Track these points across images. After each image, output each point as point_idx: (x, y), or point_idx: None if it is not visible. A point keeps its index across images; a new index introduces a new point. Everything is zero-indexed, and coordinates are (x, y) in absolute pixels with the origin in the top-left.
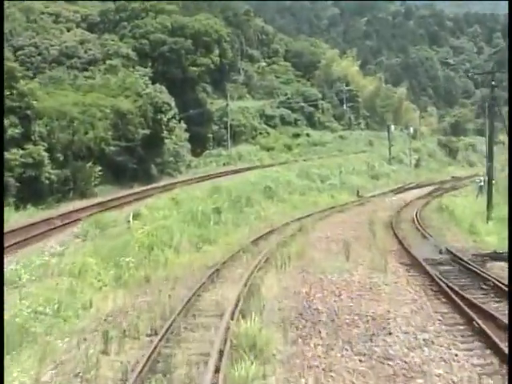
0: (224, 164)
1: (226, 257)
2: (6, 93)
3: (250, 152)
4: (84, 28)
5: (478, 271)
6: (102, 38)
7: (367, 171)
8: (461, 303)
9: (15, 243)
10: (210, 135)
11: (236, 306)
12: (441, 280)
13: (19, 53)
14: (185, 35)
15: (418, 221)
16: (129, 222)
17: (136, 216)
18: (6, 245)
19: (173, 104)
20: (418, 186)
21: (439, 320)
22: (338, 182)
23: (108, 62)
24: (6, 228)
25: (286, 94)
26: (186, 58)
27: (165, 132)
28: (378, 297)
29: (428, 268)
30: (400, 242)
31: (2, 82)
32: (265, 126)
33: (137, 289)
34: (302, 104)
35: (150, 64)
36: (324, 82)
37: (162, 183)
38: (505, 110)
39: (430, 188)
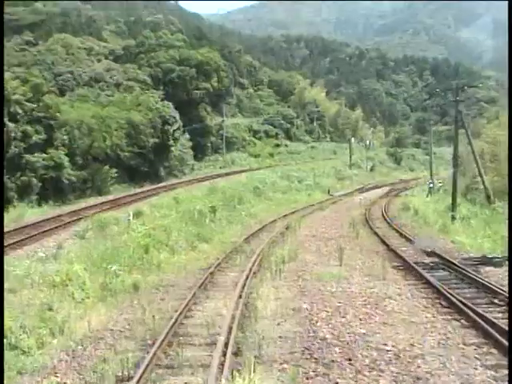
0: (220, 167)
1: (220, 257)
2: (33, 105)
3: (240, 158)
4: (110, 59)
5: (479, 279)
6: (124, 66)
7: (335, 174)
8: (489, 328)
9: (12, 243)
10: (209, 144)
11: (229, 331)
12: (446, 291)
13: (58, 78)
14: (189, 65)
15: (390, 219)
16: (129, 220)
17: (137, 215)
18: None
19: (177, 117)
20: (375, 187)
21: (477, 359)
22: (312, 183)
23: (125, 83)
24: (15, 226)
25: (268, 114)
26: (191, 83)
27: (171, 141)
28: (389, 317)
29: (426, 275)
30: (383, 242)
31: (3, 82)
32: (252, 138)
33: (122, 300)
34: (281, 121)
35: (161, 87)
36: (298, 104)
37: (168, 183)
38: (435, 128)
39: (386, 188)
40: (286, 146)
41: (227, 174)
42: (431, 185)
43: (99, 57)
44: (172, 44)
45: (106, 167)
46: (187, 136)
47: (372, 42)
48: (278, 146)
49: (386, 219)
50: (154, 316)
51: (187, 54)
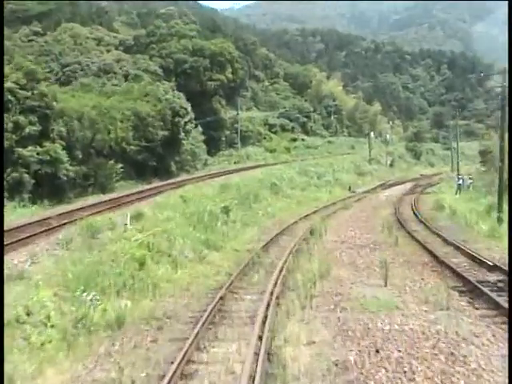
0: (235, 162)
1: (233, 272)
2: (27, 93)
3: (256, 153)
4: (121, 50)
5: None
6: (134, 57)
7: (354, 169)
8: None
9: None
10: (223, 138)
11: None
12: None
13: (65, 69)
14: (203, 55)
15: (425, 220)
16: (126, 225)
17: (137, 217)
18: None
19: (189, 109)
20: (397, 183)
21: None
22: (331, 179)
23: (133, 71)
24: None
25: (284, 107)
26: (204, 74)
27: (182, 134)
28: (478, 382)
29: (504, 304)
30: (428, 251)
31: (2, 82)
32: (268, 132)
33: (98, 344)
34: (298, 115)
35: (173, 79)
36: (315, 98)
37: (179, 179)
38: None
39: (409, 184)
40: (303, 140)
41: (242, 170)
42: (460, 181)
43: (109, 47)
44: (184, 34)
45: (111, 162)
46: (200, 129)
47: (387, 36)
48: (294, 140)
49: (420, 220)
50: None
51: (200, 45)
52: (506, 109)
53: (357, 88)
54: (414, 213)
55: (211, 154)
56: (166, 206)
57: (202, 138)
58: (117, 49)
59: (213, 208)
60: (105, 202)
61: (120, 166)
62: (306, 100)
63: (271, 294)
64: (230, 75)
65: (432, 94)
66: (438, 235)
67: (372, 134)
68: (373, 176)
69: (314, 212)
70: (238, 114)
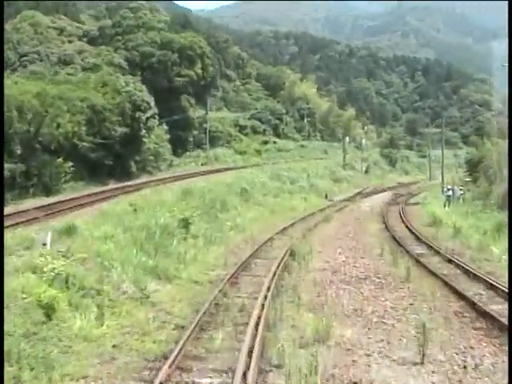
0: (202, 164)
1: (186, 323)
2: None
3: (225, 154)
4: (85, 41)
5: None
6: (98, 48)
7: (329, 175)
8: None
9: None
10: (191, 139)
11: None
12: None
13: (23, 59)
14: (171, 49)
15: (426, 240)
16: (44, 245)
17: (67, 232)
18: None
19: (152, 103)
20: (376, 191)
21: None
22: (306, 185)
23: (92, 60)
24: None
25: (256, 109)
26: (172, 69)
27: (143, 131)
28: None
29: None
30: (455, 291)
31: (2, 81)
32: (238, 134)
33: None
34: (270, 117)
35: (139, 73)
36: (287, 100)
37: (138, 181)
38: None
39: (389, 193)
40: (275, 143)
41: (209, 172)
42: (450, 192)
43: (72, 38)
44: (153, 26)
45: (59, 160)
46: (165, 127)
47: (361, 42)
48: (265, 142)
49: (420, 239)
50: None
51: (169, 38)
52: None
53: (330, 92)
54: (409, 229)
55: (177, 154)
56: (109, 217)
57: (167, 136)
58: (80, 40)
59: (169, 221)
60: (37, 208)
61: (70, 164)
62: (278, 102)
63: (243, 376)
64: (200, 71)
65: (405, 100)
66: (456, 264)
67: (347, 138)
68: (349, 183)
69: (292, 225)
70: (207, 113)
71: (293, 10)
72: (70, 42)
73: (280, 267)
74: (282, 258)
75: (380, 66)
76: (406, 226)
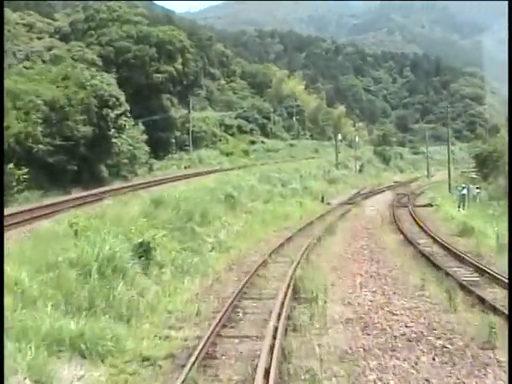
0: (185, 167)
1: None
2: None
3: (210, 156)
4: (57, 38)
5: None
6: (69, 44)
7: (323, 176)
8: None
9: None
10: (173, 140)
11: None
12: None
13: None
14: (149, 43)
15: (476, 261)
16: None
17: None
18: None
19: (122, 99)
20: (374, 192)
21: None
22: (299, 187)
23: (54, 51)
24: None
25: (242, 108)
26: (150, 65)
27: (112, 130)
28: None
29: None
30: None
31: (2, 81)
32: (224, 134)
33: None
34: (257, 116)
35: (114, 70)
36: (275, 98)
37: (106, 188)
38: (418, 126)
39: (390, 194)
40: (263, 142)
41: (191, 176)
42: (464, 191)
43: (42, 35)
44: (128, 19)
45: (10, 166)
46: (142, 127)
47: (346, 40)
48: (253, 142)
49: (463, 258)
50: None
51: (146, 31)
52: None
53: (317, 90)
54: (439, 242)
55: (159, 157)
56: (38, 245)
57: (145, 137)
58: (52, 37)
59: (120, 247)
60: None
61: (24, 171)
62: (265, 100)
63: None
64: (180, 67)
65: (394, 96)
66: None
67: (340, 136)
68: (345, 183)
69: (288, 239)
70: (189, 112)
71: (277, 11)
72: (39, 38)
73: (282, 319)
74: (283, 300)
75: (367, 62)
76: (432, 237)
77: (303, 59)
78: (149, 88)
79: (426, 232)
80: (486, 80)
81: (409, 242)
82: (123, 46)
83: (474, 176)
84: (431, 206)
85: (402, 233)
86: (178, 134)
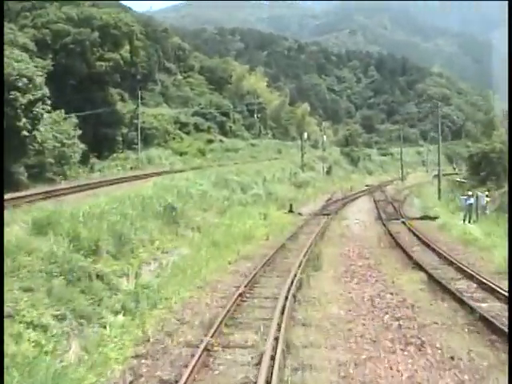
0: (131, 168)
1: None
2: None
3: (160, 156)
4: None
5: None
6: None
7: (289, 179)
8: None
9: None
10: (120, 138)
11: None
12: None
13: None
14: (91, 26)
15: None
16: None
17: None
18: None
19: (39, 80)
20: (350, 198)
21: None
22: (262, 192)
23: None
24: None
25: (200, 104)
26: (92, 51)
27: (23, 120)
28: None
29: None
30: None
31: (2, 81)
32: (179, 132)
33: None
34: (215, 113)
35: (50, 56)
36: (235, 94)
37: None
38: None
39: (368, 200)
40: (221, 141)
41: (128, 180)
42: (471, 201)
43: None
44: None
45: None
46: (74, 120)
47: (308, 40)
48: (210, 141)
49: None
50: None
51: (88, 13)
52: None
53: (280, 89)
54: (494, 290)
55: (103, 156)
56: None
57: (78, 132)
58: None
59: None
60: None
61: None
62: (224, 97)
63: None
64: (127, 55)
65: (359, 96)
66: None
67: (306, 134)
68: (314, 187)
69: (251, 284)
70: (137, 106)
71: (238, 11)
72: None
73: None
74: None
75: (331, 61)
76: (476, 279)
77: (265, 57)
78: (91, 78)
79: (455, 265)
80: (452, 81)
81: (443, 288)
82: (61, 29)
83: (463, 180)
84: (430, 218)
85: (419, 267)
86: (125, 131)
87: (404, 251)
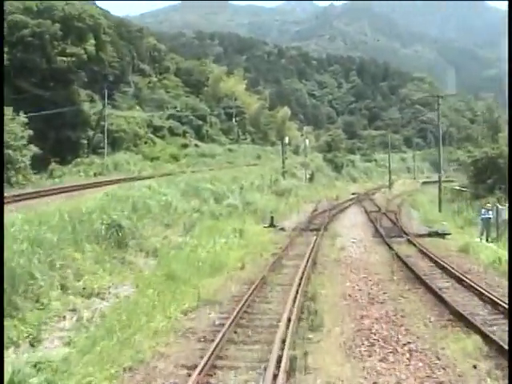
0: (95, 174)
1: None
2: None
3: (129, 161)
4: None
5: None
6: None
7: (270, 186)
8: None
9: None
10: (85, 141)
11: None
12: None
13: None
14: (52, 18)
15: None
16: None
17: None
18: None
19: None
20: (338, 208)
21: None
22: (239, 202)
23: None
24: None
25: (175, 107)
26: (53, 45)
27: None
28: None
29: None
30: None
31: (2, 81)
32: (152, 136)
33: None
34: (191, 117)
35: (6, 49)
36: (212, 97)
37: None
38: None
39: (357, 211)
40: (197, 146)
41: (78, 189)
42: (489, 214)
43: None
44: None
45: None
46: (23, 119)
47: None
48: (185, 146)
49: None
50: None
51: (48, 3)
52: None
53: (259, 93)
54: None
55: (66, 161)
56: None
57: (27, 132)
58: None
59: None
60: None
61: None
62: (201, 100)
63: None
64: (92, 48)
65: (340, 102)
66: None
67: (287, 139)
68: (297, 196)
69: (208, 367)
70: (104, 106)
71: (217, 16)
72: None
73: None
74: None
75: (311, 65)
76: None
77: (244, 61)
78: (52, 75)
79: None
80: (435, 86)
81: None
82: (19, 20)
83: (463, 189)
84: (439, 235)
85: (466, 322)
86: (91, 133)
87: (430, 290)
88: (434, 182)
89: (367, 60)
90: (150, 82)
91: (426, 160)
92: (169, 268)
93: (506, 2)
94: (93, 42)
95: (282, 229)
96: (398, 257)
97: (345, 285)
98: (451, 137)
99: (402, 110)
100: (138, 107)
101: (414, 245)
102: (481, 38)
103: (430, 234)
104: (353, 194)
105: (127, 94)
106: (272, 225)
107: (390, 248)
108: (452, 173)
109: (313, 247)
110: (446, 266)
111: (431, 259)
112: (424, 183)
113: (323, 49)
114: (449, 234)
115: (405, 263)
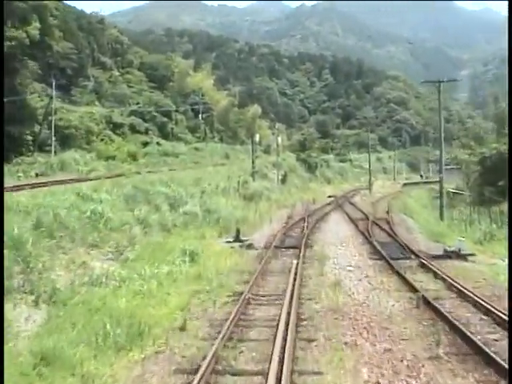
0: (36, 175)
1: None
2: None
3: (79, 160)
4: None
5: None
6: None
7: (238, 189)
8: None
9: None
10: (29, 137)
11: None
12: None
13: None
14: None
15: None
16: None
17: None
18: None
19: None
20: (316, 215)
21: None
22: (198, 210)
23: None
24: None
25: (137, 103)
26: None
27: None
28: None
29: None
30: None
31: (2, 81)
32: (109, 132)
33: None
34: (155, 114)
35: None
36: (178, 93)
37: None
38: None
39: (341, 220)
40: (159, 144)
41: None
42: None
43: None
44: None
45: None
46: None
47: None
48: (146, 144)
49: None
50: None
51: None
52: None
53: (229, 92)
54: None
55: (8, 159)
56: None
57: None
58: None
59: None
60: None
61: None
62: (166, 96)
63: None
64: (36, 32)
65: (313, 100)
66: None
67: (257, 136)
68: (269, 200)
69: None
70: (51, 97)
71: (187, 15)
72: None
73: None
74: None
75: (283, 64)
76: None
77: (214, 59)
78: None
79: None
80: (409, 84)
81: None
82: None
83: (461, 192)
84: (460, 257)
85: None
86: (37, 128)
87: None
88: (416, 184)
89: (340, 58)
90: (111, 77)
91: (403, 160)
92: (54, 338)
93: (478, 2)
94: (37, 25)
95: (251, 245)
96: (427, 302)
97: (360, 374)
98: (427, 136)
99: (377, 109)
100: (97, 102)
101: (435, 273)
102: (452, 39)
103: (448, 255)
104: (330, 196)
105: (86, 88)
106: (238, 239)
107: (406, 281)
108: (430, 173)
109: (294, 280)
110: (502, 322)
111: (475, 304)
112: (405, 185)
113: (294, 48)
114: (472, 255)
115: (441, 314)
